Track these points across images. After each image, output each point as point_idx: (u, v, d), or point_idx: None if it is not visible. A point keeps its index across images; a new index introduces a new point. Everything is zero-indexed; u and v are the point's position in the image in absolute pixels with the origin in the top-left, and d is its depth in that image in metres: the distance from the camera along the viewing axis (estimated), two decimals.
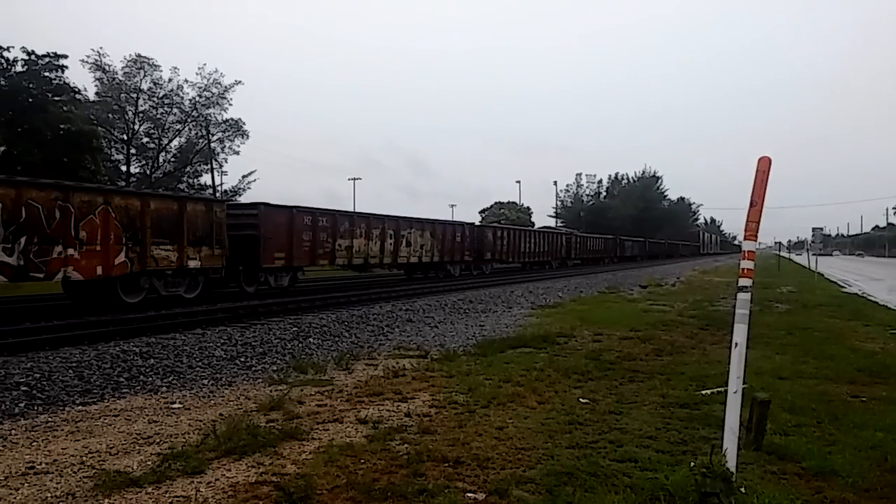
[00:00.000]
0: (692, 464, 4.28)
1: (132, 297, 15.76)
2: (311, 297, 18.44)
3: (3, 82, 27.32)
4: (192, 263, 17.07)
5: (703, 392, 7.32)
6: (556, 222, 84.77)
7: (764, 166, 4.45)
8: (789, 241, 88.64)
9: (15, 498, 4.41)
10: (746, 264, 4.46)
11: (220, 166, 48.26)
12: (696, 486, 4.01)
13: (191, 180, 46.84)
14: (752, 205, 4.44)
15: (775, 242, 76.13)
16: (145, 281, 16.03)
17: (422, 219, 29.25)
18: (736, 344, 4.34)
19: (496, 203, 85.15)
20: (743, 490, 4.13)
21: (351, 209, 27.03)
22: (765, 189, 4.44)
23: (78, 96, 32.72)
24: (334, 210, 23.57)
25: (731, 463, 4.17)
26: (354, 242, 24.01)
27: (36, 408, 7.06)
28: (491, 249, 35.81)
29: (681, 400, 7.03)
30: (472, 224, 35.38)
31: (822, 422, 6.20)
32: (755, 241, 4.49)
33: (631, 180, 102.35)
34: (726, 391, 4.41)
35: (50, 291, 17.77)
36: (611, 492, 4.33)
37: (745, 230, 4.48)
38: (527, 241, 41.52)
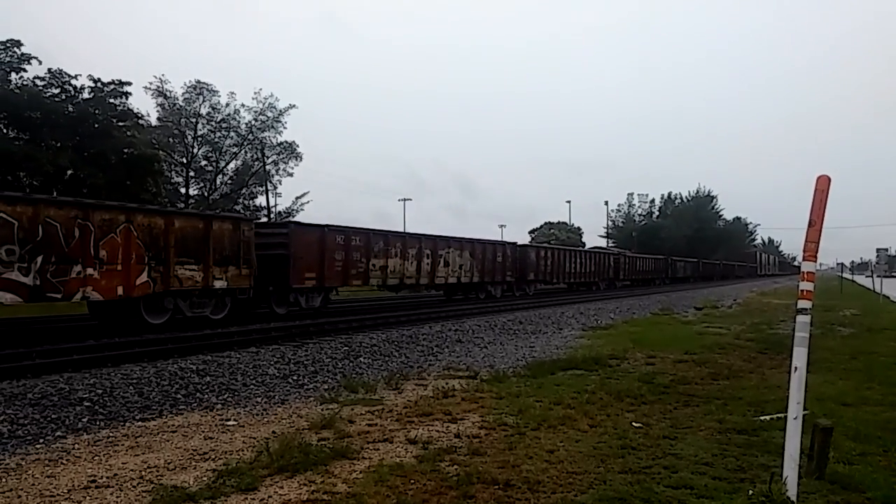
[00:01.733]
0: (750, 492, 4.16)
1: (156, 318, 15.36)
2: (360, 317, 18.66)
3: (71, 109, 28.55)
4: (219, 284, 16.59)
5: (762, 418, 7.10)
6: (608, 242, 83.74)
7: (823, 185, 4.34)
8: (852, 262, 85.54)
9: None
10: (806, 286, 4.35)
11: (275, 188, 49.27)
12: None
13: (246, 202, 47.91)
14: (810, 224, 4.34)
15: (837, 264, 73.71)
16: (169, 302, 15.61)
17: (460, 238, 28.59)
18: (795, 368, 4.22)
19: (546, 223, 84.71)
20: None
21: (394, 229, 26.12)
22: (824, 208, 4.33)
23: (141, 121, 33.95)
24: (368, 229, 22.95)
25: (792, 492, 4.04)
26: (389, 262, 23.48)
27: (98, 423, 7.29)
28: (534, 270, 35.11)
29: (738, 426, 6.83)
30: (514, 243, 34.60)
31: (889, 450, 5.94)
32: (815, 261, 4.38)
33: (685, 200, 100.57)
34: (786, 417, 4.28)
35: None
36: None
37: (805, 250, 4.37)
38: (572, 262, 40.72)
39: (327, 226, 21.06)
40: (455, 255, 27.66)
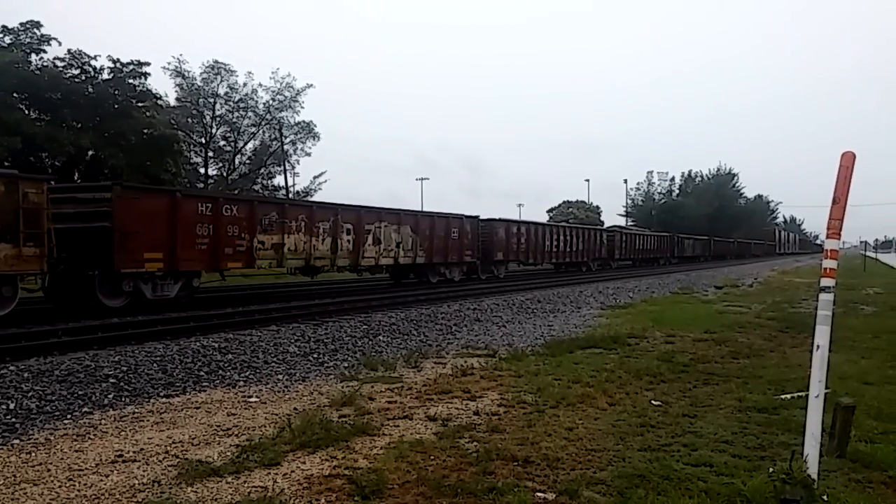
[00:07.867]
0: (771, 469, 4.16)
1: None
2: (379, 297, 18.75)
3: (90, 89, 28.69)
4: None
5: (783, 396, 7.07)
6: (627, 221, 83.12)
7: (848, 161, 4.28)
8: (876, 240, 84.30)
9: (105, 484, 4.66)
10: (829, 263, 4.30)
11: (293, 167, 49.47)
12: (776, 493, 3.90)
13: (265, 181, 48.22)
14: (834, 202, 4.28)
15: (861, 242, 72.74)
16: None
17: (397, 210, 24.04)
18: (818, 346, 4.19)
19: (564, 202, 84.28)
20: (825, 498, 3.98)
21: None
22: (849, 185, 4.27)
23: (160, 102, 34.07)
24: (252, 197, 18.63)
25: (813, 469, 4.03)
26: (287, 239, 18.26)
27: (123, 399, 7.43)
28: (503, 249, 30.31)
29: (759, 404, 6.81)
30: (476, 217, 28.75)
31: None
32: (838, 239, 4.33)
33: (705, 178, 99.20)
34: (807, 395, 4.26)
35: None
36: (685, 496, 4.24)
37: (828, 228, 4.32)
38: (555, 239, 35.78)
39: (179, 190, 16.75)
40: (390, 230, 22.79)
